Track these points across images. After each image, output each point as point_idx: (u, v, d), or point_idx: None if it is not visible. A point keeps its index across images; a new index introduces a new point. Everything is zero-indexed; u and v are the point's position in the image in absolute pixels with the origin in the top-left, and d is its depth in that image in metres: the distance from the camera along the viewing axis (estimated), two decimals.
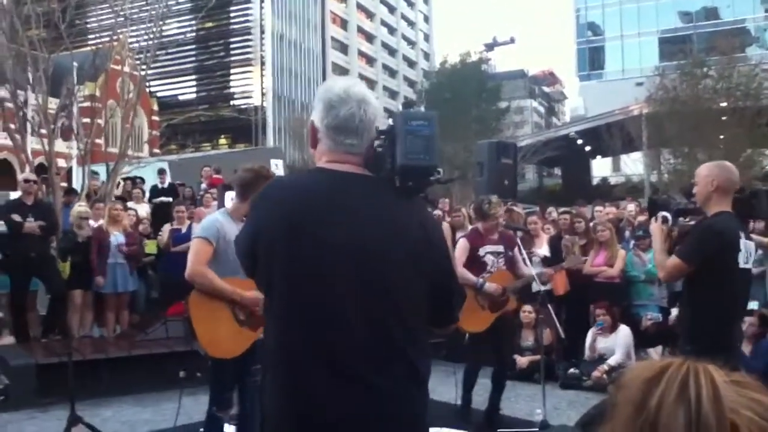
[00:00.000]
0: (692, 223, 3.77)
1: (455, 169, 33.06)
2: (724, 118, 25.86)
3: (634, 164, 36.04)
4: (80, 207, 8.43)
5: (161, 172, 12.36)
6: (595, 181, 43.51)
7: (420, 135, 1.77)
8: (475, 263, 5.35)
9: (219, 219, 3.71)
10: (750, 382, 0.82)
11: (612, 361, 6.81)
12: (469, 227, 7.73)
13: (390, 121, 1.85)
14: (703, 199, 3.57)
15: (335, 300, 1.71)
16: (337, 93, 1.80)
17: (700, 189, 3.56)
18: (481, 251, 5.36)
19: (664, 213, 3.81)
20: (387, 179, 1.80)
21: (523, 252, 6.26)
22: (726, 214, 3.52)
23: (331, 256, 1.72)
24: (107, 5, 16.33)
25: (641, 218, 8.72)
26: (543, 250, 7.92)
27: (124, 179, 12.94)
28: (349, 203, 1.76)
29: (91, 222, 8.21)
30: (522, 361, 7.15)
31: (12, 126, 13.99)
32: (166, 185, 11.91)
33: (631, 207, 9.73)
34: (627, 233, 8.58)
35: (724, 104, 26.66)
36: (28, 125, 14.12)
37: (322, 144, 1.84)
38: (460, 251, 5.41)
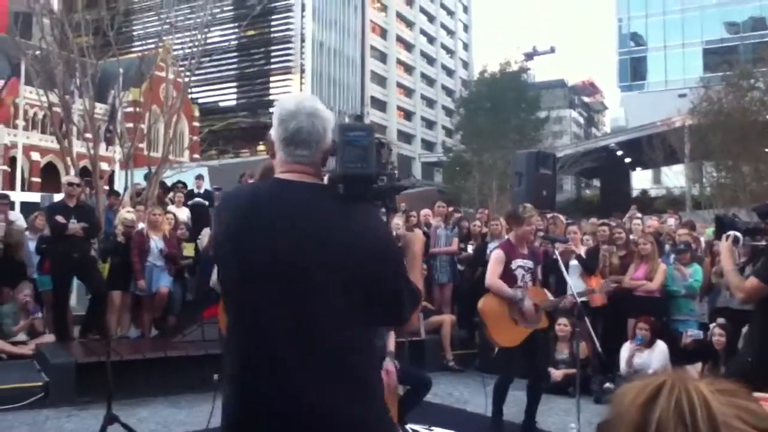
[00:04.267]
0: (764, 243, 3.76)
1: (495, 179, 32.88)
2: None
3: (675, 177, 35.39)
4: (128, 214, 8.58)
5: (198, 178, 12.57)
6: (634, 193, 42.83)
7: (357, 145, 1.86)
8: (506, 276, 5.29)
9: None
10: (737, 389, 0.85)
11: None
12: (505, 236, 7.69)
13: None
14: None
15: (269, 306, 1.78)
16: (287, 108, 1.90)
17: None
18: (513, 264, 5.30)
19: (736, 233, 3.79)
20: (332, 187, 1.89)
21: (561, 263, 6.20)
22: None
23: (262, 261, 1.80)
24: (153, 13, 16.69)
25: (681, 231, 8.55)
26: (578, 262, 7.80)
27: (160, 184, 13.17)
28: (290, 211, 1.83)
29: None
30: (557, 374, 7.05)
31: (59, 130, 14.37)
32: (202, 191, 12.08)
33: (672, 221, 9.54)
34: (667, 247, 8.41)
35: None
36: (74, 129, 14.47)
37: (278, 155, 1.94)
38: (495, 262, 5.35)
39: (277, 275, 1.77)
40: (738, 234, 3.78)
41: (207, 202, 11.29)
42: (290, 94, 2.22)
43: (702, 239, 8.98)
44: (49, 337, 7.64)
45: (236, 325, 1.87)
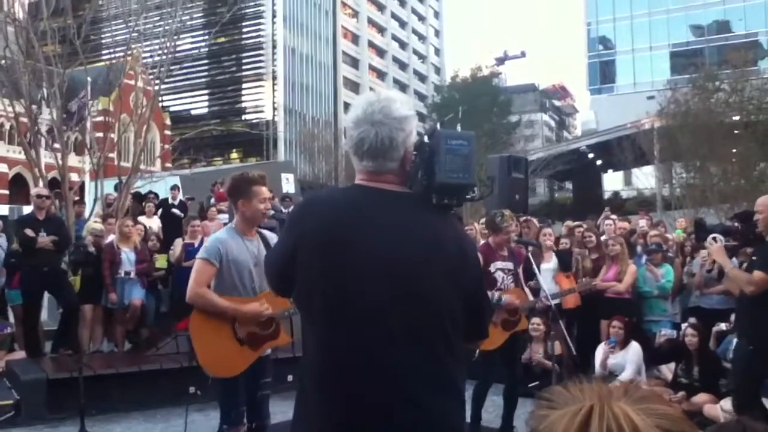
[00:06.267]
0: (734, 243, 4.52)
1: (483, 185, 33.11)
2: (736, 131, 25.72)
3: (645, 178, 35.93)
4: (96, 224, 8.44)
5: (173, 188, 12.39)
6: (606, 195, 43.39)
7: (459, 154, 1.79)
8: (485, 279, 5.28)
9: (221, 238, 3.69)
10: (652, 394, 0.91)
11: (622, 377, 6.72)
12: (481, 241, 7.71)
13: (426, 139, 1.86)
14: (765, 226, 4.17)
15: (377, 313, 1.73)
16: (356, 113, 1.83)
17: (765, 217, 4.15)
18: (492, 267, 5.30)
19: (720, 235, 4.35)
20: (422, 195, 1.81)
21: (534, 265, 6.24)
22: None
23: (371, 270, 1.74)
24: (122, 20, 16.50)
25: (653, 233, 8.66)
26: (551, 264, 7.86)
27: (134, 195, 12.99)
28: (387, 218, 1.78)
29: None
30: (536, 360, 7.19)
31: (26, 140, 14.11)
32: (176, 201, 11.93)
33: (643, 222, 9.66)
34: (639, 248, 8.50)
35: (737, 118, 26.52)
36: (42, 140, 14.22)
37: (354, 162, 1.88)
38: None
39: (385, 283, 1.72)
40: (720, 236, 4.31)
41: (182, 214, 11.17)
42: (368, 93, 1.99)
43: (672, 236, 9.12)
44: (19, 353, 7.50)
45: (337, 333, 1.76)
